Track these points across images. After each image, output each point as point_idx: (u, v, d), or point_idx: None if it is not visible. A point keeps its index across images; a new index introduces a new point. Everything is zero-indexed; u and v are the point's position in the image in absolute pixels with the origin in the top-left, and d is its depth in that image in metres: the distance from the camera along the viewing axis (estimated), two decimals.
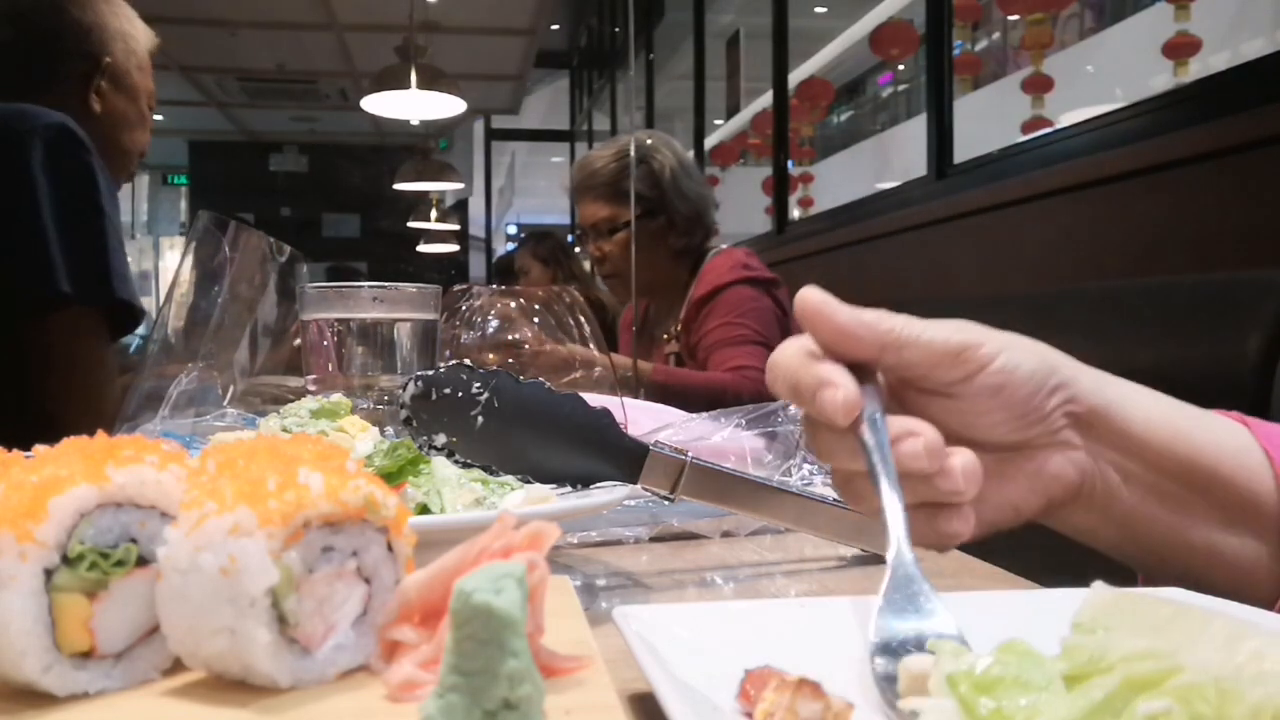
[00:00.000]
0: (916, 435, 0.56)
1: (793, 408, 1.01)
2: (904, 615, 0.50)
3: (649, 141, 2.53)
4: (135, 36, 1.84)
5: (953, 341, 0.59)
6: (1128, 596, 0.39)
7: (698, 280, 2.48)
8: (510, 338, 1.48)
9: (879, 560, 0.82)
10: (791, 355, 0.59)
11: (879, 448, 0.56)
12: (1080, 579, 0.58)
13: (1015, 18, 4.58)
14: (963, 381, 0.59)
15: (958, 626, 0.49)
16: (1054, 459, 0.62)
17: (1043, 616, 0.52)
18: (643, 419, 1.05)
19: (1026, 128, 3.90)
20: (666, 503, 0.74)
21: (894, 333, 0.58)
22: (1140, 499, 0.63)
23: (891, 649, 0.48)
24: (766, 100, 5.06)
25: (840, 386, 0.56)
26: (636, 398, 2.07)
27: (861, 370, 0.58)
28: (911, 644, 0.48)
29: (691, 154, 4.90)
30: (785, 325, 2.41)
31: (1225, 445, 0.62)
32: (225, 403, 1.18)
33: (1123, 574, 0.63)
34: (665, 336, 2.57)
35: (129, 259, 1.61)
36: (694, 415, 1.04)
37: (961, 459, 0.57)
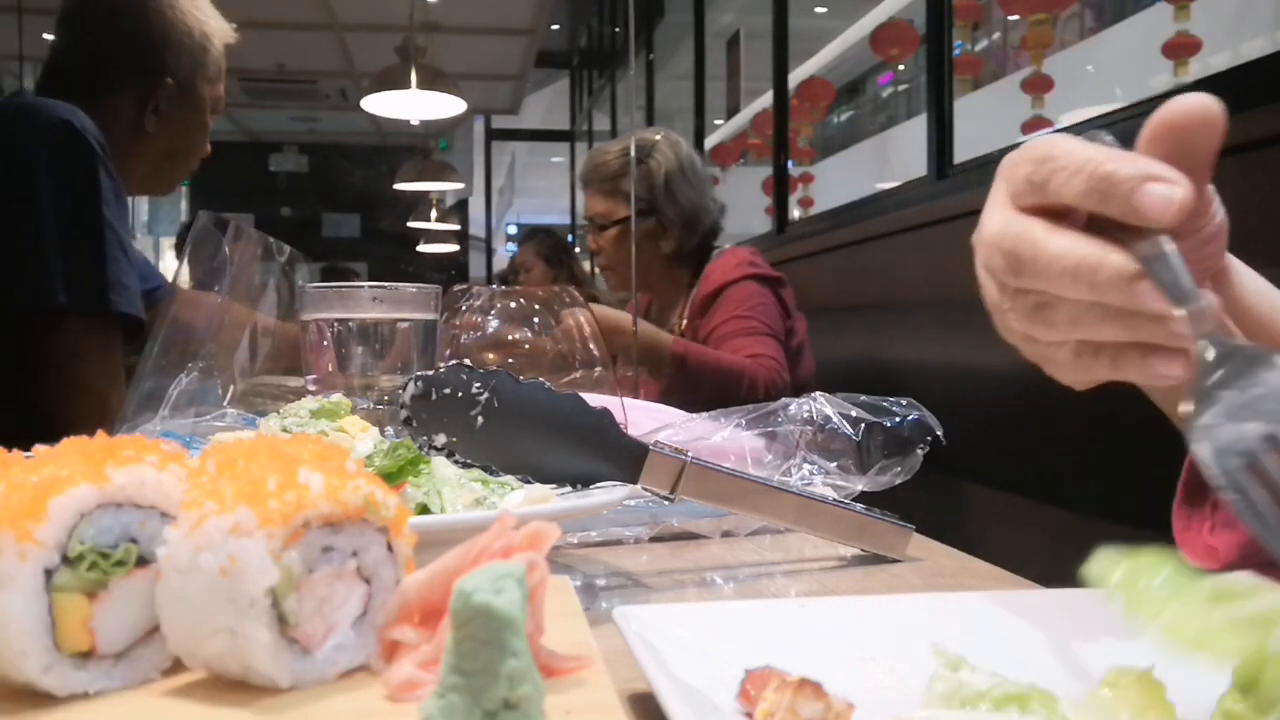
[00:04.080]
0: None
1: (793, 408, 1.01)
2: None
3: (657, 139, 2.51)
4: (207, 48, 1.73)
5: None
6: None
7: (702, 279, 2.48)
8: (511, 338, 1.47)
9: (879, 560, 0.82)
10: (1085, 145, 0.49)
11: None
12: (1080, 580, 0.58)
13: (1015, 18, 4.58)
14: None
15: None
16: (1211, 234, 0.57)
17: (1043, 616, 0.52)
18: (643, 419, 1.05)
19: (1027, 128, 3.90)
20: (666, 503, 0.74)
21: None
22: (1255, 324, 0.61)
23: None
24: (766, 100, 5.05)
25: (1176, 181, 0.46)
26: (631, 363, 2.06)
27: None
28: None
29: None
30: (790, 324, 2.41)
31: None
32: (225, 403, 1.18)
33: None
34: (668, 332, 2.57)
35: (135, 264, 1.56)
36: (694, 415, 1.04)
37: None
